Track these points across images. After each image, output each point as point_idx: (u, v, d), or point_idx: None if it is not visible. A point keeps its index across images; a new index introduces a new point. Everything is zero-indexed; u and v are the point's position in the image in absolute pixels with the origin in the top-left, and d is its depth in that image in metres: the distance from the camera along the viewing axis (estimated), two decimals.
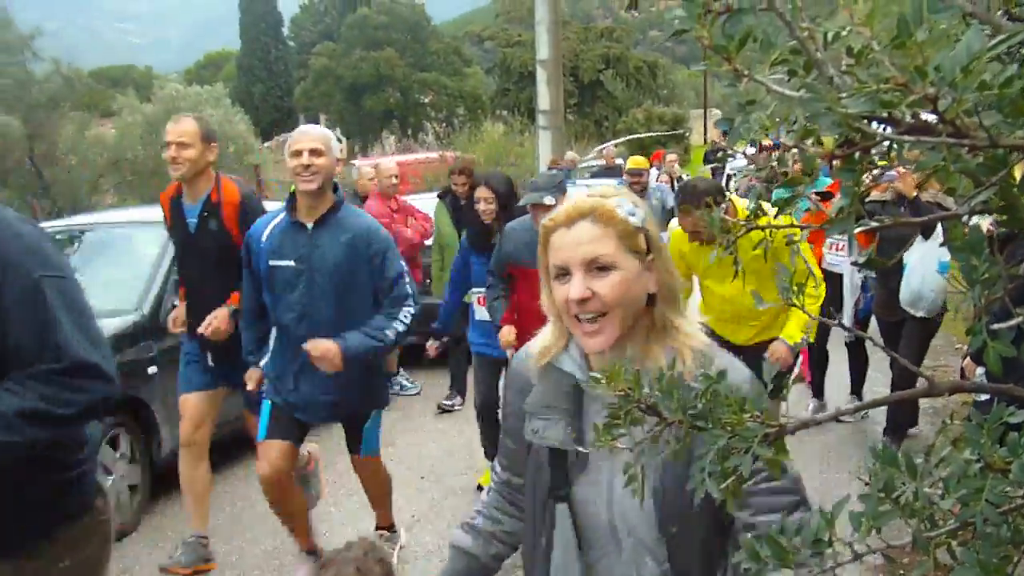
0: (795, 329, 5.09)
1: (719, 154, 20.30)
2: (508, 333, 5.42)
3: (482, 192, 5.93)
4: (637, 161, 10.97)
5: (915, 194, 5.67)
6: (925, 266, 5.99)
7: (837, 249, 7.17)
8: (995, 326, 0.88)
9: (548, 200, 4.93)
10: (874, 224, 1.19)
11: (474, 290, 6.16)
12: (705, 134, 34.46)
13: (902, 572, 4.45)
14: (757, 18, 0.90)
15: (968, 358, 5.21)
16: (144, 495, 5.87)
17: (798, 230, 1.29)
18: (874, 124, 0.91)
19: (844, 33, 0.92)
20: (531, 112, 31.76)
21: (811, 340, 6.12)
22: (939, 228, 5.63)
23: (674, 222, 5.43)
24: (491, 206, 5.86)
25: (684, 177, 17.08)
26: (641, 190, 9.87)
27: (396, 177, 8.79)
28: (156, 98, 23.27)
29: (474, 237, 6.15)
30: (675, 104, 49.72)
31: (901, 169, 4.28)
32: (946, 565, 1.18)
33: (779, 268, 1.19)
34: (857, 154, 0.90)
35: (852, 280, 7.14)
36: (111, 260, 6.73)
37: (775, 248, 1.30)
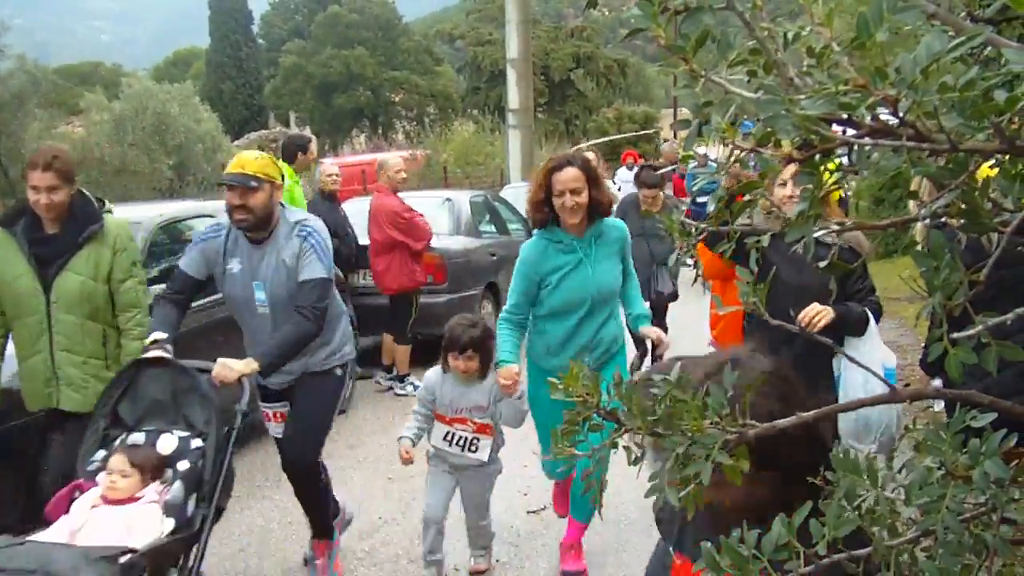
0: None
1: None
2: None
3: None
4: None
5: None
6: (863, 378, 4.09)
7: None
8: (956, 335, 0.86)
9: None
10: (836, 227, 1.18)
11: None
12: (675, 133, 34.58)
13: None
14: (715, 17, 0.87)
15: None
16: None
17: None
18: (834, 126, 0.89)
19: (804, 33, 0.90)
20: (501, 111, 31.81)
21: None
22: (872, 324, 4.28)
23: None
24: None
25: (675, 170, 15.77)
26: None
27: (403, 171, 8.83)
28: (124, 96, 23.04)
29: None
30: (646, 103, 49.97)
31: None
32: (907, 573, 1.17)
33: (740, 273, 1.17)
34: (817, 157, 0.88)
35: None
36: None
37: None
